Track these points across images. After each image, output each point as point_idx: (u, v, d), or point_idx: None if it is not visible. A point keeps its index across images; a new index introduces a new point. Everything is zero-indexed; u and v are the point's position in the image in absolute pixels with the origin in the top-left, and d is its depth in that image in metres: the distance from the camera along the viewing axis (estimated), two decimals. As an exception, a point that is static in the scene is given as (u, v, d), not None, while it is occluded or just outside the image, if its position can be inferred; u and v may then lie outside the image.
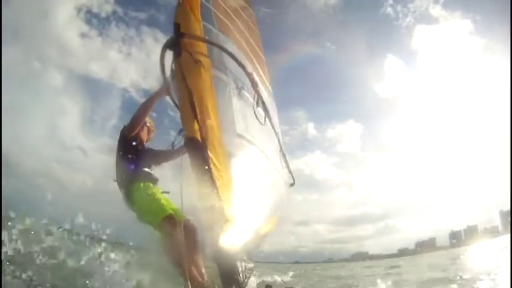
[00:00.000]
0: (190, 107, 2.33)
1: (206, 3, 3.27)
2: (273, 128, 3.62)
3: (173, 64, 2.55)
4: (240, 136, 2.72)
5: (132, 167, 2.73)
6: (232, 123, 2.70)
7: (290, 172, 4.40)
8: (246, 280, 2.06)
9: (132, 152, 2.76)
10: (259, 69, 4.53)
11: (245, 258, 2.16)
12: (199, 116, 2.33)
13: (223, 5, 3.77)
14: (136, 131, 2.82)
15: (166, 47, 2.59)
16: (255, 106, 3.02)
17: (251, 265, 2.19)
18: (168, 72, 2.70)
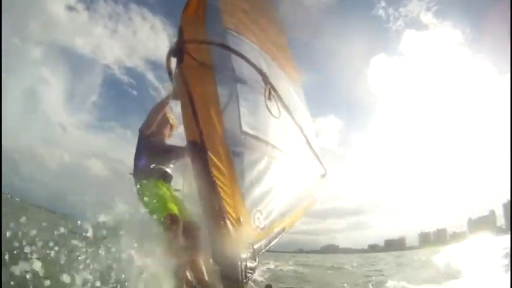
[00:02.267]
0: (191, 110, 2.39)
1: (214, 3, 3.28)
2: (294, 119, 3.49)
3: (176, 69, 2.63)
4: (245, 133, 2.68)
5: (147, 163, 2.90)
6: (237, 122, 2.66)
7: (320, 162, 4.20)
8: (247, 280, 2.05)
9: (149, 149, 2.94)
10: (284, 62, 4.38)
11: (247, 256, 2.14)
12: (200, 119, 2.37)
13: (236, 2, 3.74)
14: (151, 129, 3.01)
15: (170, 54, 2.69)
16: (266, 100, 2.95)
17: (254, 264, 2.15)
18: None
